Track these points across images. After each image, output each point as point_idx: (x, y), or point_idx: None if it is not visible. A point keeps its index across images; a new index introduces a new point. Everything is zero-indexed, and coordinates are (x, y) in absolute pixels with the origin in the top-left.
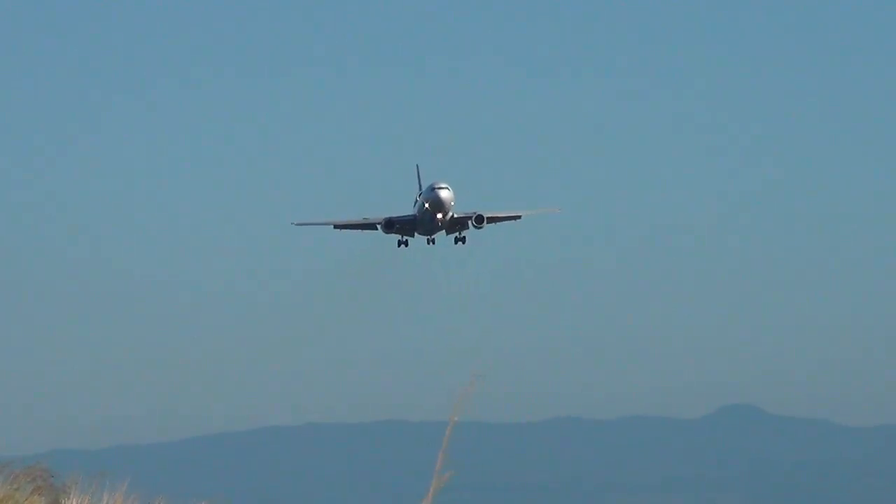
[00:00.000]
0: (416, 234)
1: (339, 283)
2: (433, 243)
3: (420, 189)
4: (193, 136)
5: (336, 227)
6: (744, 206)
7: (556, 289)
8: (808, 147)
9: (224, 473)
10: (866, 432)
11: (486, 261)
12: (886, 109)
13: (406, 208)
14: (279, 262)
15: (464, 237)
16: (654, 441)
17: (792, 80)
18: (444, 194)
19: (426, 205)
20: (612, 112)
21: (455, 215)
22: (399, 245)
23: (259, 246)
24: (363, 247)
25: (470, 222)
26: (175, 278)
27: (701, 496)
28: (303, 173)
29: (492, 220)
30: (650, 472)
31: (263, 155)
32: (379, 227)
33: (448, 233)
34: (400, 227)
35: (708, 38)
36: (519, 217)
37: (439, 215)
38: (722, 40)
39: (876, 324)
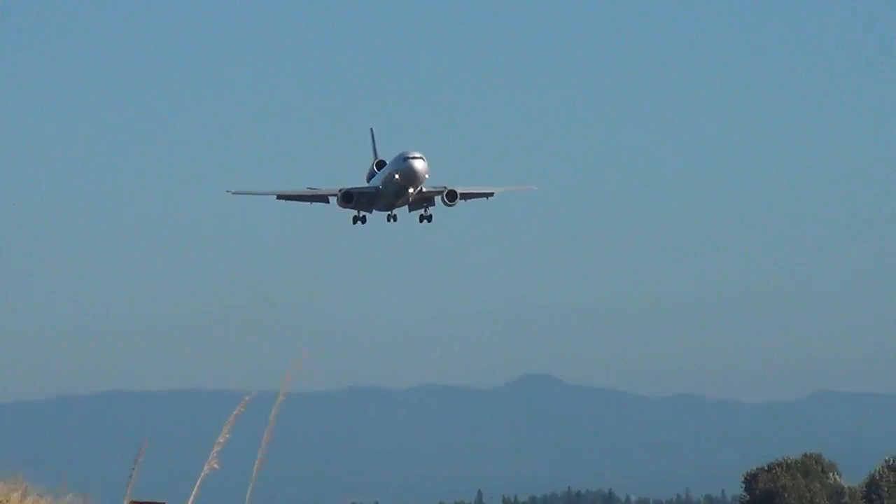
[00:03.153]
0: (374, 209)
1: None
2: (394, 220)
3: (375, 156)
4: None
5: (280, 197)
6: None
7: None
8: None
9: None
10: (660, 402)
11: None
12: None
13: (353, 179)
14: (210, 233)
15: (430, 215)
16: (450, 410)
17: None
18: (419, 165)
19: (396, 176)
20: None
21: (423, 189)
22: (355, 221)
23: (189, 215)
24: (310, 221)
25: (440, 198)
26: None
27: (501, 464)
28: (234, 137)
29: (464, 196)
30: (447, 441)
31: (198, 117)
32: (333, 199)
33: (412, 209)
34: (358, 200)
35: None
36: (492, 194)
37: (410, 189)
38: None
39: (669, 296)
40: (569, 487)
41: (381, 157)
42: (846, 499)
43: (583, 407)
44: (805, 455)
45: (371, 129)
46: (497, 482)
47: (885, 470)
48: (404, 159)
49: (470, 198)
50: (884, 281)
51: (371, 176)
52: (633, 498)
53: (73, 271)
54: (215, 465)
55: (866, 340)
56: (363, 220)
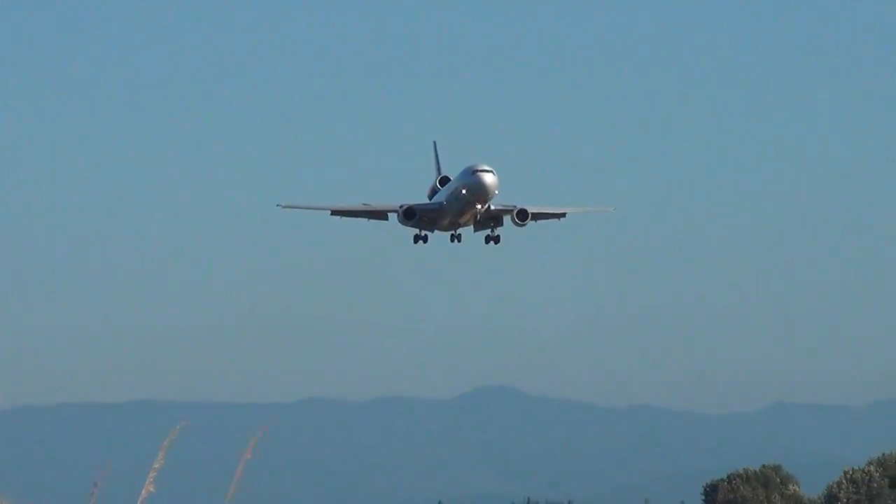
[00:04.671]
0: (437, 227)
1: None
2: (458, 240)
3: (438, 171)
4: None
5: (334, 213)
6: None
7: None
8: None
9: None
10: (620, 412)
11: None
12: None
13: (413, 196)
14: (260, 246)
15: (497, 235)
16: (408, 422)
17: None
18: (489, 179)
19: (463, 191)
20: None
21: (491, 207)
22: (416, 240)
23: (239, 226)
24: (367, 239)
25: (509, 217)
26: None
27: (460, 475)
28: (289, 151)
29: (535, 216)
30: (406, 454)
31: (249, 129)
32: (394, 215)
33: (477, 229)
34: (421, 217)
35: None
36: (564, 215)
37: (479, 206)
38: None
39: (628, 308)
40: (528, 498)
41: (444, 173)
42: None
43: (542, 417)
44: (764, 466)
45: (434, 142)
46: (456, 494)
47: (845, 482)
48: (472, 172)
49: (541, 218)
50: (840, 293)
51: (434, 193)
52: None
53: (116, 281)
54: (152, 489)
55: (825, 352)
56: (425, 239)
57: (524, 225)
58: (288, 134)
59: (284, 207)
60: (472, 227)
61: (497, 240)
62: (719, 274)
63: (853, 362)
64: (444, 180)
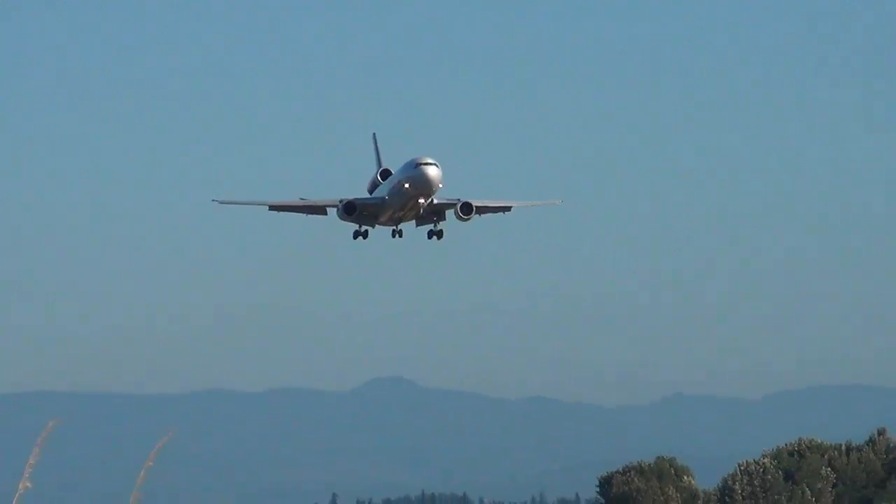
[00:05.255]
0: (378, 222)
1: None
2: (400, 236)
3: (379, 164)
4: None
5: (272, 208)
6: None
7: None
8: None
9: None
10: (514, 404)
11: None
12: None
13: (352, 190)
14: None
15: (440, 230)
16: (303, 414)
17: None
18: (433, 172)
19: (406, 185)
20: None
21: (435, 201)
22: (356, 236)
23: (171, 223)
24: (304, 235)
25: (453, 212)
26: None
27: (355, 467)
28: (221, 145)
29: (480, 210)
30: (301, 445)
31: (184, 123)
32: (334, 210)
33: (420, 223)
34: (361, 212)
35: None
36: (510, 208)
37: (422, 200)
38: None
39: (523, 300)
40: (423, 490)
41: (385, 165)
42: (700, 502)
43: (437, 409)
44: (659, 458)
45: (374, 135)
46: (351, 485)
47: (739, 474)
48: (416, 165)
49: (486, 212)
50: (736, 285)
51: (374, 186)
52: (487, 501)
53: (68, 279)
54: (28, 485)
55: (721, 345)
56: (365, 234)
57: (468, 219)
58: (224, 128)
59: (221, 203)
60: (414, 222)
61: (440, 235)
62: (625, 269)
63: (748, 355)
64: (385, 173)
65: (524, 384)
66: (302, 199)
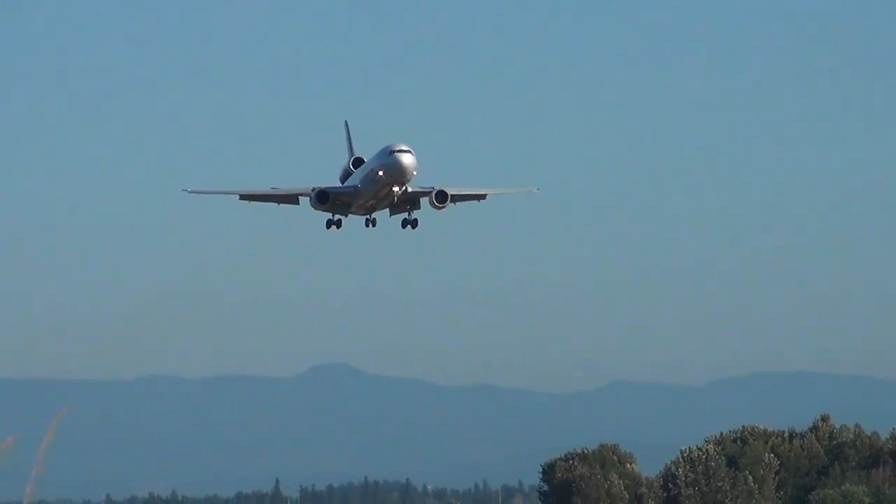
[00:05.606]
0: (350, 212)
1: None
2: (373, 225)
3: (351, 152)
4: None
5: (243, 197)
6: None
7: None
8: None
9: None
10: (458, 391)
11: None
12: None
13: (324, 178)
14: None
15: (415, 219)
16: (246, 401)
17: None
18: (407, 159)
19: (380, 172)
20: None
21: (409, 189)
22: (329, 225)
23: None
24: (275, 224)
25: (428, 200)
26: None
27: (299, 454)
28: (191, 134)
29: (455, 198)
30: (244, 432)
31: (154, 111)
32: (307, 199)
33: (393, 212)
34: (334, 201)
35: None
36: (484, 196)
37: (396, 188)
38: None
39: (468, 288)
40: (366, 477)
41: (358, 153)
42: (643, 489)
43: (381, 396)
44: (602, 445)
45: (346, 123)
46: (295, 472)
47: (682, 460)
48: (390, 153)
49: (461, 200)
50: (680, 274)
51: (346, 175)
52: (430, 488)
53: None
54: None
55: (664, 332)
56: (338, 224)
57: (443, 207)
58: (195, 118)
59: (191, 192)
60: (387, 210)
61: (414, 224)
62: (558, 256)
63: (691, 342)
64: (358, 162)
65: (468, 372)
66: (273, 188)
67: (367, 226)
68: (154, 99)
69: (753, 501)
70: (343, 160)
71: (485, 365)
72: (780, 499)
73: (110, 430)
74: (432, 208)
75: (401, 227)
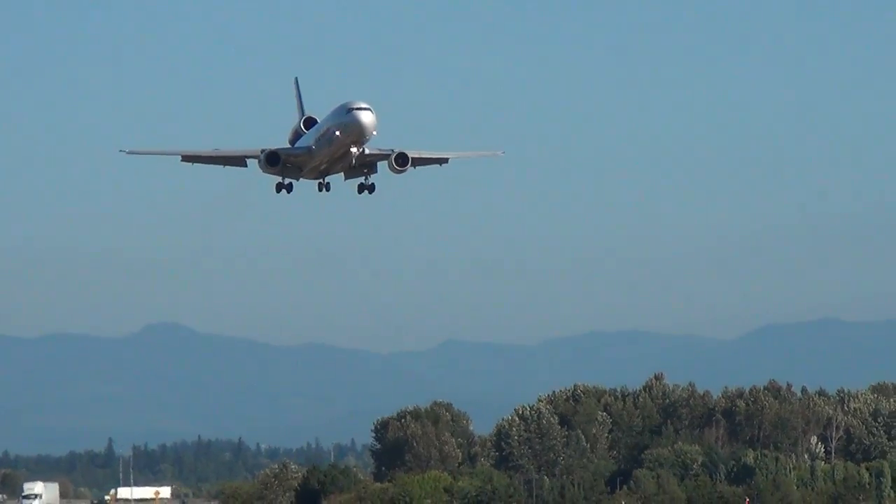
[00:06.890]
0: (302, 175)
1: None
2: (327, 189)
3: (301, 112)
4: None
5: (185, 159)
6: None
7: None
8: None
9: None
10: (290, 350)
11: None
12: None
13: (272, 139)
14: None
15: (372, 184)
16: (77, 359)
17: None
18: (367, 118)
19: (337, 132)
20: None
21: (366, 151)
22: (279, 189)
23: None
24: (218, 187)
25: (388, 163)
26: None
27: (131, 413)
28: (130, 93)
29: (416, 161)
30: (75, 391)
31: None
32: (254, 162)
33: (348, 176)
34: (286, 163)
35: None
36: (446, 160)
37: (354, 149)
38: None
39: (299, 245)
40: (199, 436)
41: (309, 113)
42: (476, 448)
43: (213, 355)
44: (435, 403)
45: (296, 80)
46: (127, 432)
47: (516, 418)
48: (348, 111)
49: (422, 164)
50: (516, 231)
51: (297, 137)
52: (263, 447)
53: None
54: None
55: (496, 290)
56: (289, 188)
57: (403, 171)
58: (137, 75)
59: (129, 153)
60: (342, 174)
61: (371, 189)
62: (389, 212)
63: (524, 301)
64: (310, 122)
65: (301, 331)
66: (216, 149)
67: (320, 190)
68: (94, 57)
69: (586, 459)
70: (293, 120)
71: (317, 324)
72: (614, 457)
73: None
74: (392, 172)
75: (357, 192)
